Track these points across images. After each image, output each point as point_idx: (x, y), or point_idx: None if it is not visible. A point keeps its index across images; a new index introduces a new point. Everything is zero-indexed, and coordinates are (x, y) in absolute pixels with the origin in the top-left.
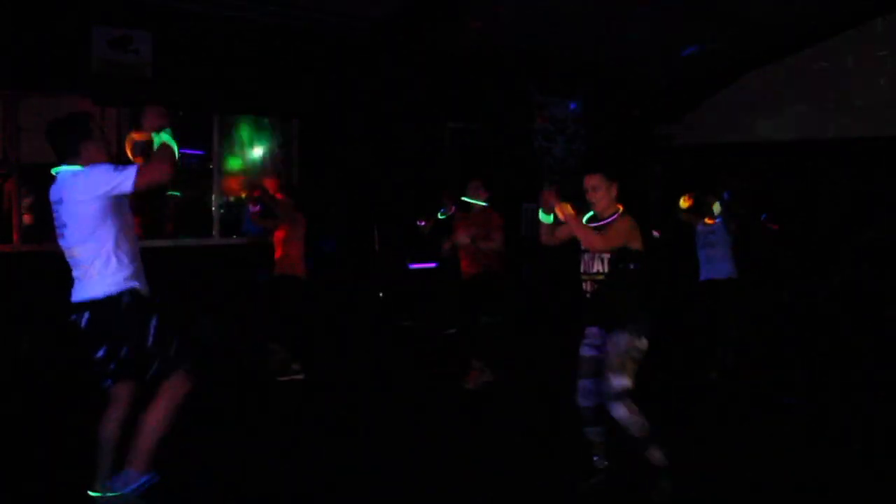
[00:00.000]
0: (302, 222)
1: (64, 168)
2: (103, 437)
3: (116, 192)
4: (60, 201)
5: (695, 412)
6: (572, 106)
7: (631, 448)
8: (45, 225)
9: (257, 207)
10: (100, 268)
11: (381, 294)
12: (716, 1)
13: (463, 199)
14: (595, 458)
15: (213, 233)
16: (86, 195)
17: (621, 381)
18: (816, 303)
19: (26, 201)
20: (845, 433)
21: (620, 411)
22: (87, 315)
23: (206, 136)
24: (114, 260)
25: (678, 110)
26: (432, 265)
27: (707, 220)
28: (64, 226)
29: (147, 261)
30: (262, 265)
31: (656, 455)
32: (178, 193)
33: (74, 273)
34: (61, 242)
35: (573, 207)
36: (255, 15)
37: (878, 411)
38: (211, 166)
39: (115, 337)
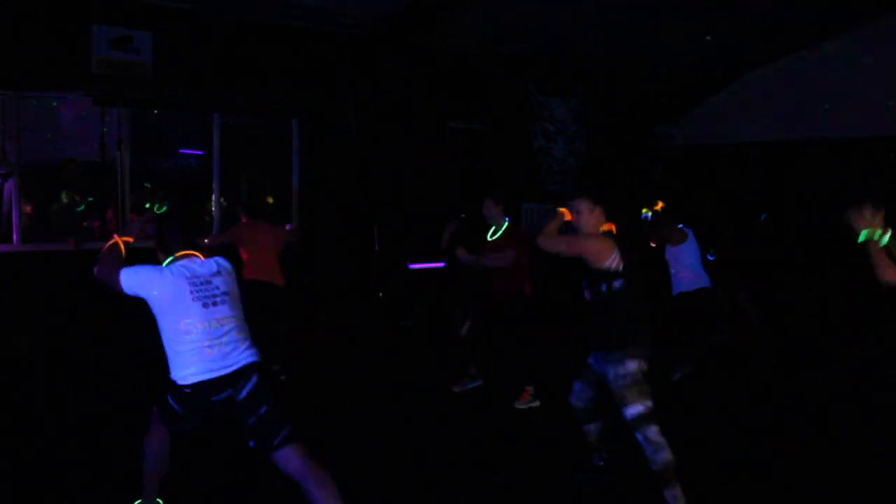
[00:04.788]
0: (252, 231)
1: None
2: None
3: None
4: (217, 272)
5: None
6: (572, 106)
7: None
8: (45, 225)
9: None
10: (248, 336)
11: (381, 294)
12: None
13: (488, 238)
14: (594, 455)
15: (214, 233)
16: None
17: (631, 410)
18: (816, 302)
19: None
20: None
21: (640, 439)
22: (255, 379)
23: (206, 136)
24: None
25: (678, 110)
26: (438, 265)
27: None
28: (226, 294)
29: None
30: None
31: (673, 497)
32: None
33: (218, 342)
34: (216, 310)
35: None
36: (254, 15)
37: (871, 413)
38: (211, 166)
39: (273, 397)
